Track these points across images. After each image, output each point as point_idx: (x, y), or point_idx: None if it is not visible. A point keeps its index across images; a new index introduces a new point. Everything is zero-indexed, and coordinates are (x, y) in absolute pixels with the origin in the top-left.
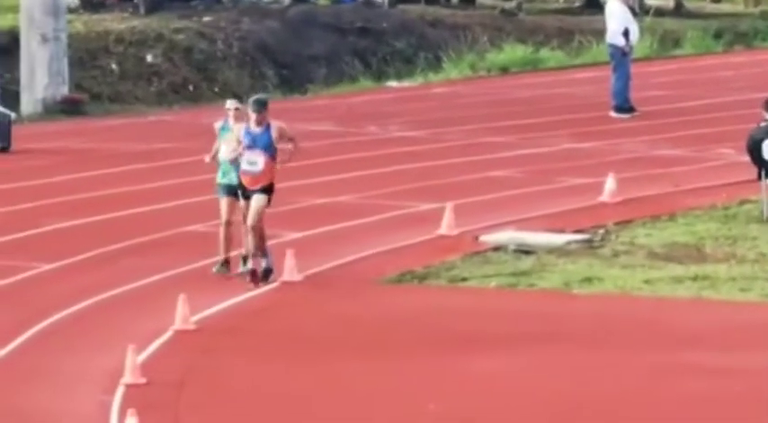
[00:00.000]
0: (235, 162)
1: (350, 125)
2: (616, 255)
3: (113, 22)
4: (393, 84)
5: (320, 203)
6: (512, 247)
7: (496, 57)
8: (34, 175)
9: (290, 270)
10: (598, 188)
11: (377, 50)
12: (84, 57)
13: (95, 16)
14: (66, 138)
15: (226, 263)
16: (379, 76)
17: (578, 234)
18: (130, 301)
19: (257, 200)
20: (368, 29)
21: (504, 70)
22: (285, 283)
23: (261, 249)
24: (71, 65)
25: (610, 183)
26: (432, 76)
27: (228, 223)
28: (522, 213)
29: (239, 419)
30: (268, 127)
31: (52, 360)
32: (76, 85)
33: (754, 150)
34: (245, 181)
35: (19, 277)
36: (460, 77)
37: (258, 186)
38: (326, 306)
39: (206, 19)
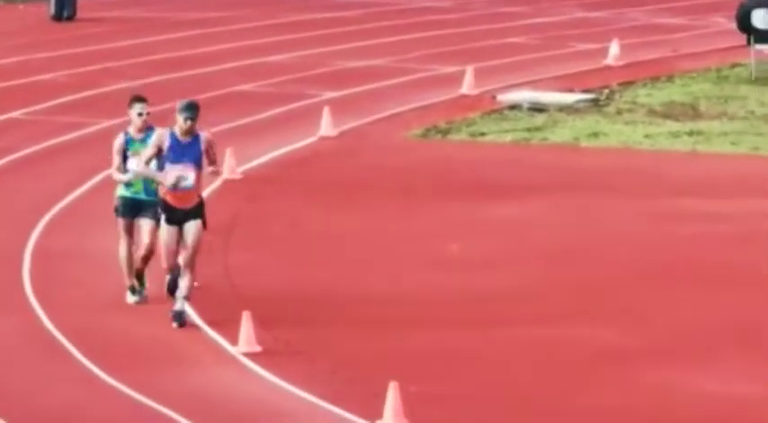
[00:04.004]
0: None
1: None
2: (619, 112)
3: None
4: None
5: (354, 66)
6: (526, 105)
7: None
8: (99, 40)
9: (326, 126)
10: (604, 53)
11: None
12: None
13: None
14: (126, 8)
15: (133, 288)
16: None
17: (586, 94)
18: None
19: (196, 229)
20: None
21: None
22: (322, 138)
23: (191, 288)
24: None
25: (614, 48)
26: None
27: (131, 245)
28: (535, 75)
29: (281, 258)
30: (197, 137)
31: None
32: None
33: (744, 19)
34: (176, 201)
35: (86, 131)
36: None
37: (190, 205)
38: (359, 157)
39: None
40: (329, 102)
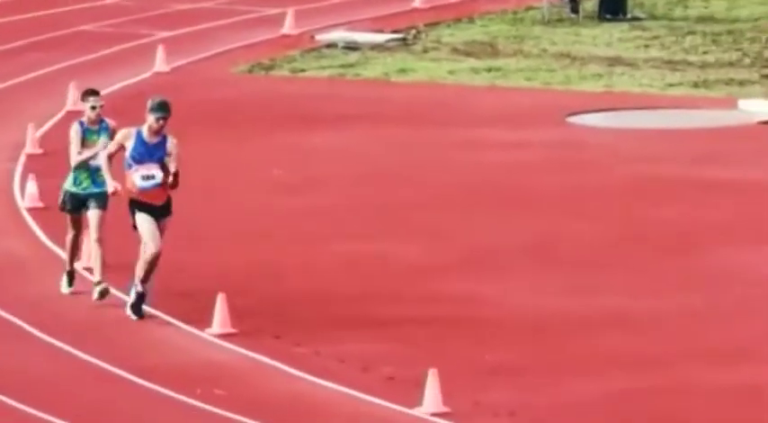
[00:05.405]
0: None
1: None
2: (426, 50)
3: None
4: None
5: (185, 8)
6: (341, 44)
7: None
8: None
9: (160, 62)
10: None
11: None
12: None
13: None
14: None
15: (71, 275)
16: None
17: (395, 34)
18: (32, 87)
19: (164, 229)
20: None
21: None
22: (156, 73)
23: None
24: None
25: None
26: None
27: (78, 235)
28: (350, 17)
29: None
30: (164, 137)
31: None
32: None
33: None
34: (149, 198)
35: None
36: None
37: (165, 200)
38: (190, 92)
39: None
40: (163, 41)
